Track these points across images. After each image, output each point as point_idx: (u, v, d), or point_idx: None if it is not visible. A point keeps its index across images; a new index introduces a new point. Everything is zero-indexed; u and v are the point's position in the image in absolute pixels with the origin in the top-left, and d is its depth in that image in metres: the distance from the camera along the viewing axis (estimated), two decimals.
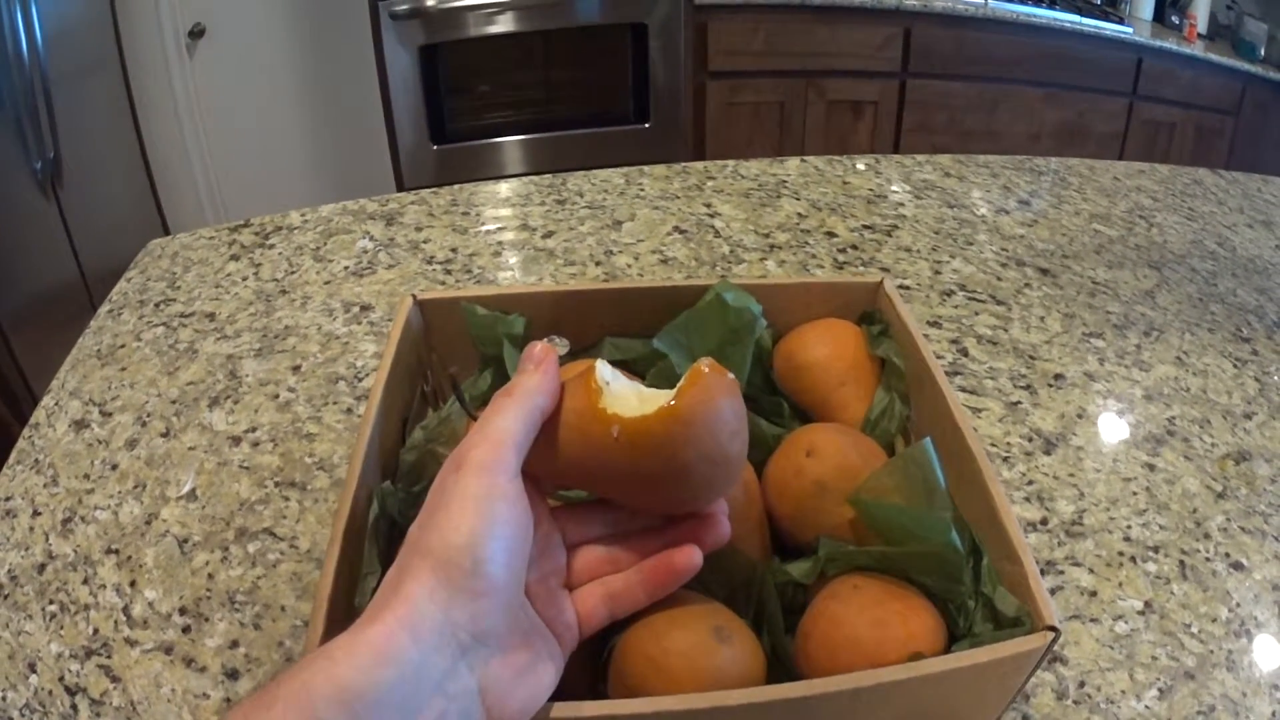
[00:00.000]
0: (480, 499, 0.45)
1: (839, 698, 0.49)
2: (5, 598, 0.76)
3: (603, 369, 0.53)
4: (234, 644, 0.72)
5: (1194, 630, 0.73)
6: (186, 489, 0.86)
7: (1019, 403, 0.96)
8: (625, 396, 0.52)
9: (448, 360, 0.81)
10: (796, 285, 0.81)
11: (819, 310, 0.81)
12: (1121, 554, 0.79)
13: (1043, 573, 0.78)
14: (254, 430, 0.93)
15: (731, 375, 0.53)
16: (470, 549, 0.44)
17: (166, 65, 2.98)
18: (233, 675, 0.70)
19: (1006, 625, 0.55)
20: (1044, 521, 0.82)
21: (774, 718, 0.50)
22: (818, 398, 0.76)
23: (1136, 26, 2.90)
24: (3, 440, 0.93)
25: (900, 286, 1.14)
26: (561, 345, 0.82)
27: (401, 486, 0.69)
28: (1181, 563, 0.79)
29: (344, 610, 0.58)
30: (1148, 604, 0.75)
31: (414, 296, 0.77)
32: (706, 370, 0.51)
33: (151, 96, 2.96)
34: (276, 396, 0.97)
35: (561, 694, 0.48)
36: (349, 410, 0.95)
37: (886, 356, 0.75)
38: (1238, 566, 0.79)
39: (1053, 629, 0.52)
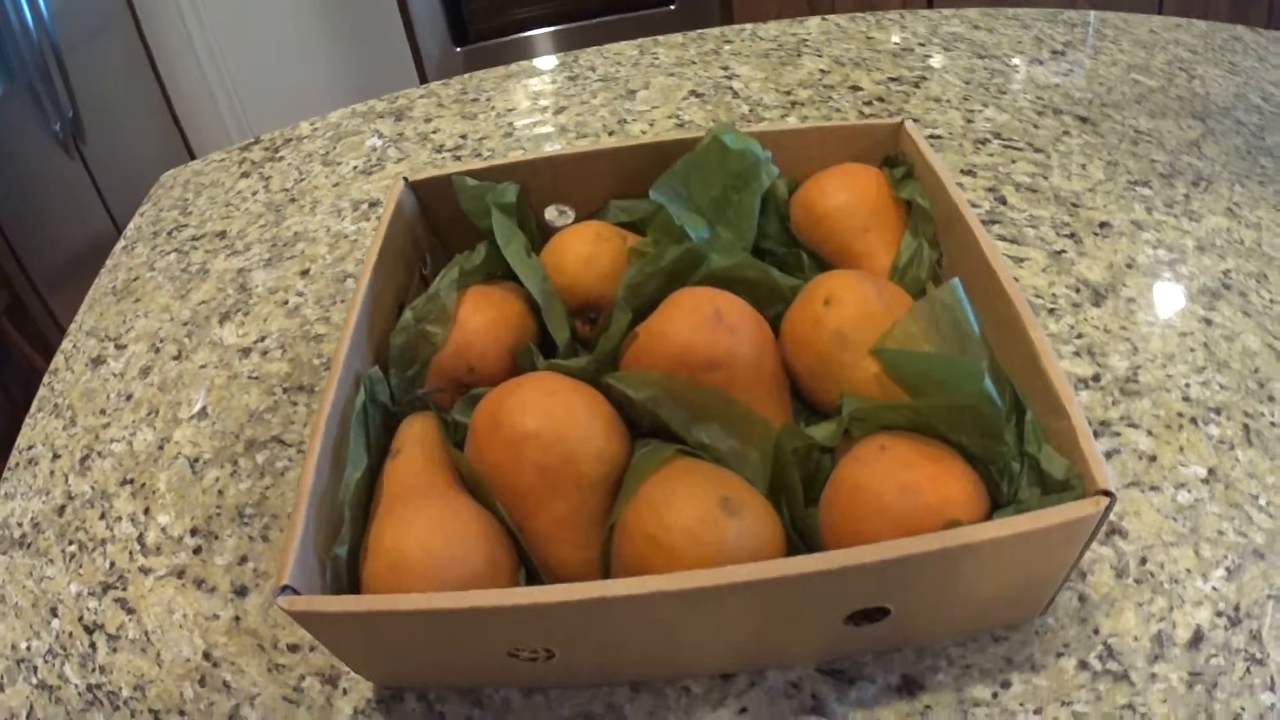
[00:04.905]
0: None
1: (860, 573, 0.42)
2: (29, 546, 0.75)
3: None
4: (243, 559, 0.70)
5: (1262, 503, 0.65)
6: (198, 408, 0.84)
7: (1063, 251, 0.88)
8: None
9: (451, 242, 0.78)
10: (811, 130, 0.74)
11: (837, 157, 0.74)
12: (1181, 415, 0.72)
13: (1096, 434, 0.70)
14: (263, 340, 0.90)
15: None
16: None
17: (178, 6, 2.93)
18: (241, 592, 0.67)
19: (1054, 490, 0.49)
20: (1096, 378, 0.75)
21: (789, 597, 0.44)
22: (839, 247, 0.69)
23: None
24: None
25: (930, 136, 1.06)
26: (566, 214, 0.79)
27: (395, 371, 0.66)
28: (1246, 426, 0.71)
29: (328, 505, 0.53)
30: (1211, 471, 0.67)
31: (405, 179, 0.75)
32: None
33: (167, 40, 2.92)
34: (285, 303, 0.94)
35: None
36: None
37: (911, 199, 0.68)
38: None
39: (1107, 493, 0.45)
